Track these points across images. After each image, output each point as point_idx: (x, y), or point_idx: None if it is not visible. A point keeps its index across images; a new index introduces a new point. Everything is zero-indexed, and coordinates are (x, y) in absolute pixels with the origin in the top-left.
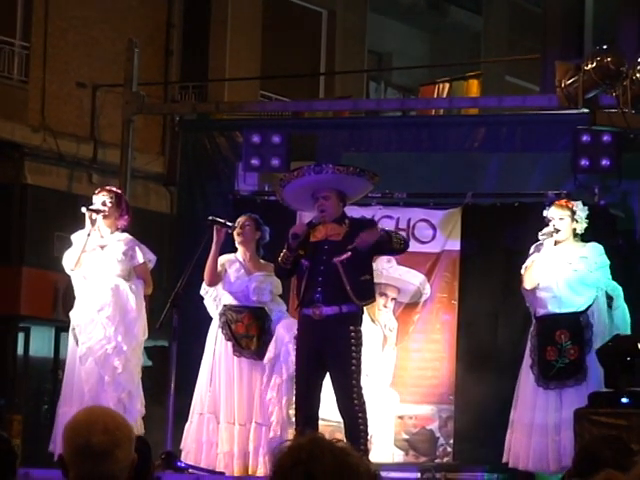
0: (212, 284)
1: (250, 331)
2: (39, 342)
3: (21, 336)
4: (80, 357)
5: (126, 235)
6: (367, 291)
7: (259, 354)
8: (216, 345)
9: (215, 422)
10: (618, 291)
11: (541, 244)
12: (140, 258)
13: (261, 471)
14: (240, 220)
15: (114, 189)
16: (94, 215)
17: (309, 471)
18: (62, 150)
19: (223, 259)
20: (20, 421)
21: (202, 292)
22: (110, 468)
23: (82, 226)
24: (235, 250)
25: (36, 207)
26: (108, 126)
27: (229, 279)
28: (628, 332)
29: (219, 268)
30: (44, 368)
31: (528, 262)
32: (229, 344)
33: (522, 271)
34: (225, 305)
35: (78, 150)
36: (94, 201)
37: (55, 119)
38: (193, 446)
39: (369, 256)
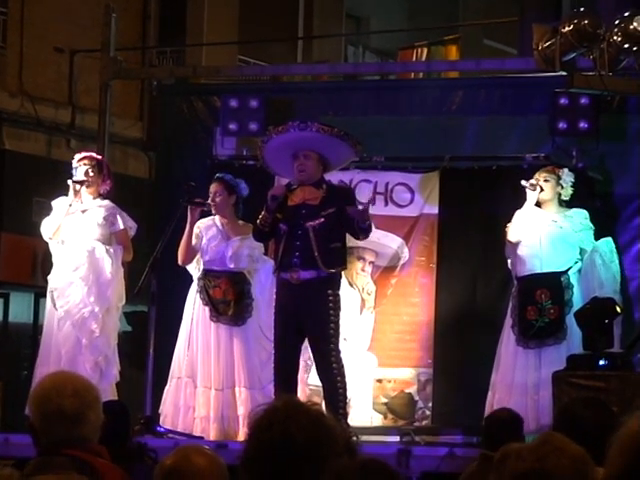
0: (185, 263)
1: (227, 296)
2: (18, 308)
3: (0, 302)
4: (58, 320)
5: (107, 202)
6: (335, 259)
7: (236, 320)
8: (194, 310)
9: (192, 386)
10: (611, 246)
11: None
12: (120, 224)
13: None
14: (211, 189)
15: (95, 155)
16: (77, 186)
17: (286, 430)
18: (40, 115)
19: (200, 225)
20: (0, 387)
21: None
22: (83, 430)
23: (62, 192)
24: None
25: (14, 173)
26: (86, 91)
27: (205, 246)
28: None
29: (194, 241)
30: (23, 334)
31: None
32: (206, 309)
33: (507, 228)
34: (204, 270)
35: (56, 115)
36: (75, 169)
37: (33, 84)
38: (170, 410)
39: (340, 225)
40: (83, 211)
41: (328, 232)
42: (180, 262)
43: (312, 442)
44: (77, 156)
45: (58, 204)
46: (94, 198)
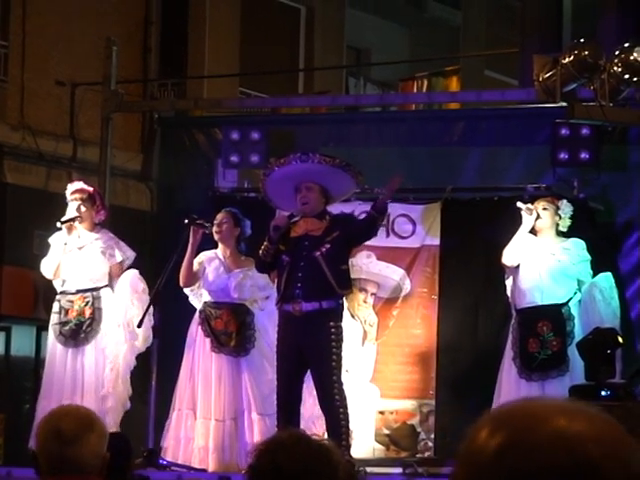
0: (187, 285)
1: (229, 327)
2: (20, 341)
3: (2, 335)
4: (71, 353)
5: (103, 233)
6: (347, 280)
7: (239, 351)
8: (196, 341)
9: (193, 418)
10: (611, 282)
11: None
12: (118, 257)
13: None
14: (218, 217)
15: (86, 188)
16: (70, 222)
17: (275, 460)
18: (41, 149)
19: (202, 257)
20: (2, 420)
21: (186, 291)
22: (76, 453)
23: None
24: (216, 246)
25: (16, 206)
26: (87, 124)
27: (208, 277)
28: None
29: (196, 267)
30: (26, 367)
31: None
32: (208, 340)
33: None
34: (205, 302)
35: (57, 148)
36: (67, 203)
37: (34, 118)
38: (172, 442)
39: (347, 247)
40: (80, 248)
41: (336, 255)
42: (182, 284)
43: (307, 474)
44: (70, 187)
45: (55, 241)
46: (90, 230)
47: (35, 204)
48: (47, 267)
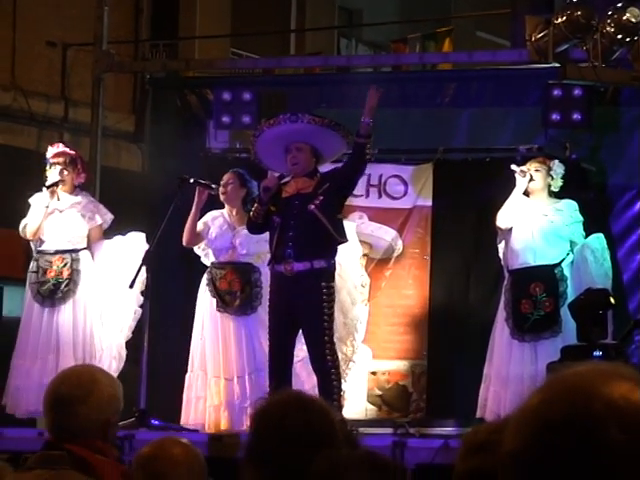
0: (190, 244)
1: (233, 287)
2: (12, 302)
3: None
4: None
5: (82, 196)
6: (343, 229)
7: (245, 309)
8: (204, 303)
9: (204, 378)
10: (602, 243)
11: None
12: (98, 220)
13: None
14: (225, 178)
15: (68, 151)
16: (54, 187)
17: (279, 419)
18: (33, 109)
19: (208, 216)
20: None
21: (197, 251)
22: (71, 422)
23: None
24: (222, 206)
25: (7, 167)
26: (79, 85)
27: (211, 235)
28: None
29: (201, 227)
30: (17, 328)
31: None
32: (214, 300)
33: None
34: (212, 262)
35: (49, 109)
36: (49, 165)
37: (25, 78)
38: (184, 404)
39: (340, 197)
40: (61, 210)
41: (330, 205)
42: (185, 243)
43: (309, 434)
44: (51, 150)
45: (35, 202)
46: (70, 193)
47: (26, 165)
48: (27, 227)
